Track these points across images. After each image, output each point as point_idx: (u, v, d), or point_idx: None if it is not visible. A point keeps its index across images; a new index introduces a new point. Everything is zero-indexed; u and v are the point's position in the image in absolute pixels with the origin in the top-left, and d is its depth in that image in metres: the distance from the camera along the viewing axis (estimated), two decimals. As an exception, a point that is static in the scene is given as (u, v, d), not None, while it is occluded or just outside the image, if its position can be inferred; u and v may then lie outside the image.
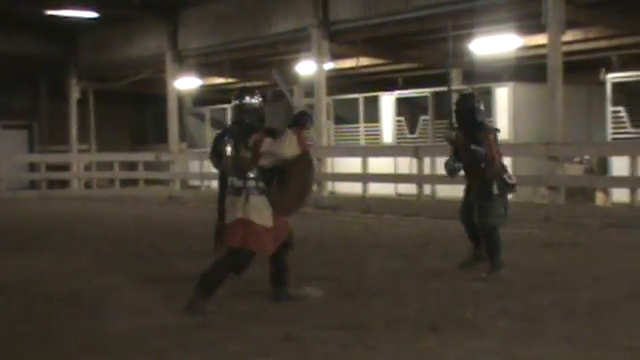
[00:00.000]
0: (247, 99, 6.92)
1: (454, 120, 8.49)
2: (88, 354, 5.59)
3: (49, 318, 6.73)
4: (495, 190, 7.98)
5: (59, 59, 27.08)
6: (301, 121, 6.82)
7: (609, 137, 15.98)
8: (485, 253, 8.11)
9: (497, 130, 8.44)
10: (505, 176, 8.09)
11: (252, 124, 6.83)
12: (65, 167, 25.76)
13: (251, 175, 6.72)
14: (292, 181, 6.82)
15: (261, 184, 6.74)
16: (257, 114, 6.90)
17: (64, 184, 25.79)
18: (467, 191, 8.42)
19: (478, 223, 8.09)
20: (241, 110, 6.91)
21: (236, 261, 6.74)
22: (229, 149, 6.80)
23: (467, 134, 8.11)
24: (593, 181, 15.92)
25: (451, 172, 8.45)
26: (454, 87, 17.17)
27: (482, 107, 8.32)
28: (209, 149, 7.21)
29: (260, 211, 6.71)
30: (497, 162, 8.07)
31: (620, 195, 14.54)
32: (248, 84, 21.73)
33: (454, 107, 8.47)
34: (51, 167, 24.93)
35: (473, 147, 7.97)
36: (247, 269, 6.86)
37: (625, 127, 15.80)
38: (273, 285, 7.10)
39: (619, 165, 14.73)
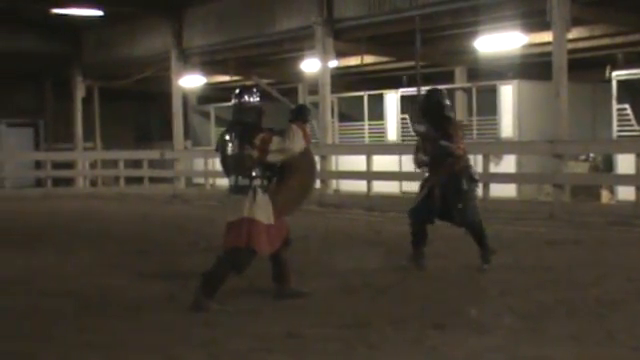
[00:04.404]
0: (246, 98, 6.95)
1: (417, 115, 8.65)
2: (91, 351, 5.57)
3: (52, 316, 6.73)
4: (464, 186, 8.13)
5: (64, 57, 27.10)
6: (302, 115, 6.93)
7: (614, 135, 15.94)
8: (477, 245, 8.33)
9: (464, 126, 8.57)
10: (471, 171, 8.29)
11: (254, 122, 6.86)
12: (70, 165, 25.79)
13: (254, 174, 6.74)
14: (294, 179, 6.88)
15: (265, 182, 6.77)
16: (256, 112, 6.93)
17: (69, 182, 25.82)
18: (426, 186, 8.39)
19: (462, 224, 8.28)
20: (241, 109, 6.94)
21: (238, 260, 6.74)
22: (231, 148, 6.82)
23: (436, 129, 8.17)
24: (598, 179, 15.89)
25: (420, 165, 8.62)
26: (459, 85, 17.24)
27: (449, 102, 8.46)
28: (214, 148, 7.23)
29: (264, 209, 6.73)
30: (464, 157, 8.19)
31: (625, 193, 14.50)
32: (252, 82, 21.70)
33: (422, 103, 8.56)
34: (56, 165, 24.96)
35: (443, 142, 8.04)
36: (248, 267, 6.87)
37: (631, 124, 15.76)
38: (276, 282, 7.10)
39: (624, 163, 14.69)
